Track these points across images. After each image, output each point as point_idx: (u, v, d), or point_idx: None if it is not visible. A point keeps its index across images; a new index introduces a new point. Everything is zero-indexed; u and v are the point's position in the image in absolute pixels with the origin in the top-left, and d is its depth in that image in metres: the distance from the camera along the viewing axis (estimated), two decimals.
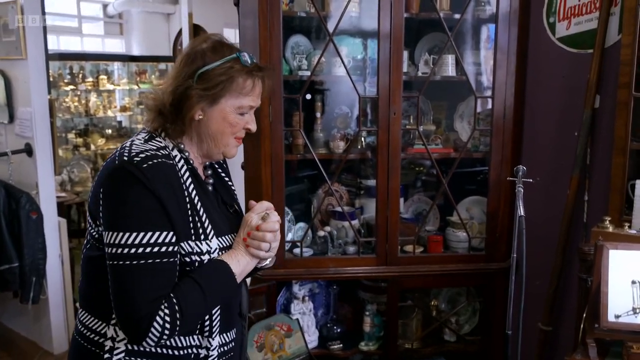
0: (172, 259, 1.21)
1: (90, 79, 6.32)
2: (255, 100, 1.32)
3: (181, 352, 1.29)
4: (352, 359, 2.72)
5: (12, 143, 3.43)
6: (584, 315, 1.86)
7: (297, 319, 2.50)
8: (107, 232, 1.19)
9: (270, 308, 2.48)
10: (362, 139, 2.61)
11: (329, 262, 2.51)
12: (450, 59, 2.52)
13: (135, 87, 6.78)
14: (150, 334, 1.16)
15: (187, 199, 1.25)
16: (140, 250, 1.16)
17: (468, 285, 2.73)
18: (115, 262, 1.17)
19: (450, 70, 2.53)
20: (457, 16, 2.45)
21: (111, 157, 1.25)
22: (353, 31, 2.58)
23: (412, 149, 2.58)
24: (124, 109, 6.69)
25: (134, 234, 1.17)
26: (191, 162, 1.32)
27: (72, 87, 6.14)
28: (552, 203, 2.46)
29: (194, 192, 1.28)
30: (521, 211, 1.82)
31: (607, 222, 1.96)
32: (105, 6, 7.10)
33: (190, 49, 1.30)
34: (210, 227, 1.28)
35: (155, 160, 1.21)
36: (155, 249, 1.18)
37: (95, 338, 1.27)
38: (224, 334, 1.36)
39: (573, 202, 2.31)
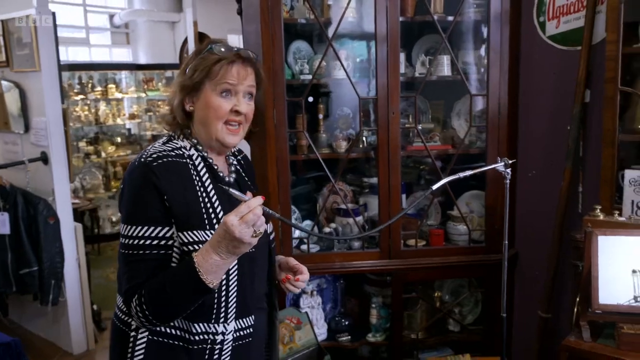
0: (160, 252, 1.33)
1: (99, 88, 6.48)
2: (233, 79, 1.39)
3: (197, 338, 1.39)
4: (359, 350, 2.83)
5: (29, 152, 3.57)
6: (577, 299, 1.95)
7: (306, 312, 2.61)
8: (120, 224, 1.37)
9: (280, 302, 2.59)
10: (364, 138, 2.72)
11: (334, 257, 2.62)
12: (445, 60, 2.62)
13: (143, 94, 6.93)
14: (133, 316, 1.33)
15: (203, 193, 1.38)
16: (135, 242, 1.32)
17: (469, 277, 2.83)
18: (119, 251, 1.37)
19: (446, 70, 2.63)
20: (450, 18, 2.55)
21: (134, 159, 1.41)
22: (352, 35, 2.69)
23: (412, 146, 2.69)
24: (132, 116, 6.84)
25: (133, 227, 1.32)
26: (209, 159, 1.45)
27: (81, 96, 6.30)
28: (548, 195, 2.55)
29: (210, 186, 1.41)
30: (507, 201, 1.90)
31: (598, 210, 2.05)
32: (111, 16, 7.25)
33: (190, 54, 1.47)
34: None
35: (165, 159, 1.35)
36: (147, 242, 1.32)
37: (125, 318, 1.41)
38: (241, 320, 1.45)
39: (567, 193, 2.41)
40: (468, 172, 1.83)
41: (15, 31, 3.50)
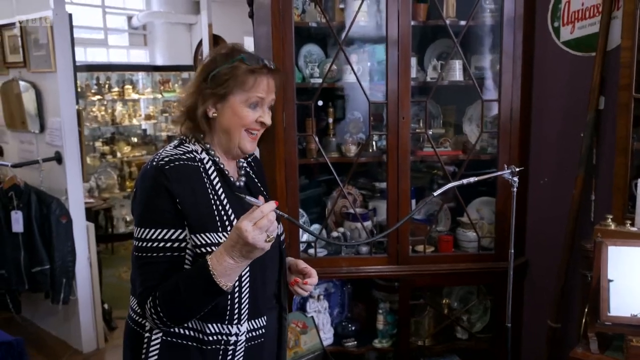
0: (173, 254, 1.34)
1: (116, 89, 6.54)
2: (262, 93, 1.42)
3: (211, 338, 1.40)
4: (366, 355, 2.81)
5: (43, 151, 3.62)
6: (586, 310, 1.92)
7: (312, 317, 2.60)
8: (134, 226, 1.38)
9: (288, 305, 2.57)
10: (374, 143, 2.70)
11: (342, 261, 2.60)
12: (457, 64, 2.60)
13: (159, 96, 6.98)
14: (148, 318, 1.34)
15: (214, 196, 1.39)
16: (149, 244, 1.33)
17: (478, 284, 2.79)
18: (133, 253, 1.38)
19: (457, 75, 2.61)
20: (463, 23, 2.53)
21: (147, 162, 1.42)
22: (364, 39, 2.68)
23: (422, 151, 2.66)
24: (148, 117, 6.90)
25: (147, 230, 1.34)
26: (221, 164, 1.46)
27: (98, 97, 6.36)
28: (560, 203, 2.51)
29: (221, 189, 1.42)
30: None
31: (610, 220, 2.02)
32: (129, 18, 7.33)
33: (208, 56, 1.47)
34: (236, 220, 1.34)
35: (177, 163, 1.36)
36: (161, 244, 1.33)
37: (138, 319, 1.43)
38: (253, 321, 1.47)
39: (579, 201, 2.37)
40: (472, 179, 1.81)
41: (32, 32, 3.55)
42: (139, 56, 7.55)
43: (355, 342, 2.72)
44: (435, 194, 1.64)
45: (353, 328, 2.77)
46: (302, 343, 2.53)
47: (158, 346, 1.40)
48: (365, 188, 2.94)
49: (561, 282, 2.42)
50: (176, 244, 1.34)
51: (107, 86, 6.47)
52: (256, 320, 1.48)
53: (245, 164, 1.59)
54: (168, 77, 7.12)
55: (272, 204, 1.24)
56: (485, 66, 2.69)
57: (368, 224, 2.72)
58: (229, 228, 1.38)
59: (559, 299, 2.44)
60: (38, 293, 3.55)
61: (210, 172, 1.42)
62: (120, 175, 6.48)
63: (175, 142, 1.47)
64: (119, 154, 6.42)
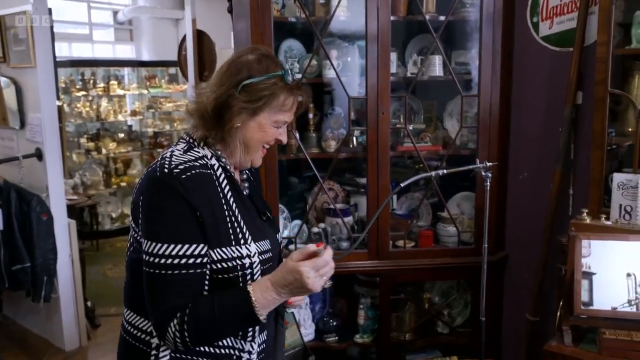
0: (196, 271, 1.25)
1: (102, 85, 6.49)
2: (291, 116, 1.36)
3: (222, 352, 1.34)
4: (347, 351, 2.81)
5: (24, 148, 3.58)
6: (561, 303, 1.93)
7: (292, 312, 2.57)
8: (144, 240, 1.26)
9: None
10: (354, 138, 2.70)
11: None
12: (437, 60, 2.60)
13: (145, 91, 6.94)
14: (165, 339, 1.24)
15: (226, 206, 1.30)
16: (169, 261, 1.22)
17: (458, 279, 2.80)
18: (145, 269, 1.25)
19: (437, 71, 2.61)
20: (442, 18, 2.52)
21: (152, 167, 1.30)
22: (343, 34, 2.67)
23: (402, 147, 2.66)
24: (134, 113, 6.86)
25: (165, 245, 1.22)
26: (231, 172, 1.37)
27: (83, 92, 6.31)
28: (539, 197, 2.52)
29: (232, 199, 1.33)
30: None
31: (585, 214, 2.03)
32: (115, 13, 7.27)
33: (236, 59, 1.33)
34: (248, 232, 1.33)
35: (193, 171, 1.26)
36: (182, 261, 1.23)
37: (142, 336, 1.34)
38: (261, 335, 1.42)
39: (556, 196, 2.38)
40: (442, 171, 1.84)
41: (11, 27, 3.51)
42: (125, 51, 7.49)
43: (337, 338, 2.72)
44: (402, 184, 1.64)
45: (334, 323, 2.77)
46: None
47: None
48: (348, 183, 2.94)
49: (539, 276, 2.44)
50: (199, 260, 1.25)
51: (92, 82, 6.41)
52: (263, 335, 1.43)
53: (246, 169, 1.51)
54: (154, 73, 7.08)
55: (331, 251, 1.25)
56: (466, 61, 2.70)
57: (349, 219, 2.72)
58: (242, 241, 1.31)
59: (537, 293, 2.46)
60: (19, 291, 3.52)
61: (221, 180, 1.33)
62: (106, 171, 6.45)
63: (183, 145, 1.35)
64: (104, 151, 6.38)
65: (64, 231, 3.57)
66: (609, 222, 1.97)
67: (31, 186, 3.49)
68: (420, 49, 2.78)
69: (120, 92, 6.67)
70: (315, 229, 2.69)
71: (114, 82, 6.56)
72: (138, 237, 1.32)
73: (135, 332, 1.36)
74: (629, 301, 1.82)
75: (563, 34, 2.42)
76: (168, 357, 1.32)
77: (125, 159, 6.70)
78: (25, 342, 3.74)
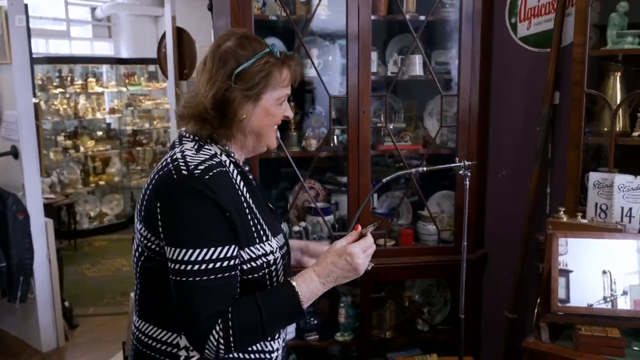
0: (232, 273, 1.20)
1: (79, 82, 6.39)
2: (289, 90, 1.32)
3: (252, 356, 1.31)
4: (328, 349, 2.82)
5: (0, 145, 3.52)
6: (538, 300, 1.96)
7: None
8: (169, 248, 1.19)
9: None
10: (335, 137, 2.71)
11: None
12: (417, 59, 2.61)
13: (124, 89, 6.86)
14: (206, 350, 1.18)
15: (245, 204, 1.26)
16: (203, 267, 1.17)
17: (438, 277, 2.83)
18: (177, 278, 1.18)
19: (418, 70, 2.62)
20: (422, 17, 2.54)
21: (165, 170, 1.22)
22: (324, 33, 2.68)
23: (382, 146, 2.68)
24: (112, 111, 6.77)
25: (196, 251, 1.17)
26: (242, 166, 1.33)
27: (61, 90, 6.21)
28: (518, 196, 2.55)
29: (248, 194, 1.28)
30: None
31: (562, 212, 2.06)
32: (93, 9, 7.18)
33: (216, 49, 1.28)
34: (267, 227, 1.30)
35: (215, 170, 1.21)
36: (217, 265, 1.18)
37: (164, 348, 1.28)
38: (283, 331, 1.42)
39: (534, 195, 2.41)
40: (421, 169, 1.85)
41: None
42: (103, 48, 7.40)
43: (317, 336, 2.72)
44: (384, 180, 1.66)
45: (315, 322, 2.77)
46: None
47: None
48: (329, 182, 2.95)
49: (518, 274, 2.47)
50: (232, 262, 1.20)
51: (69, 79, 6.32)
52: (282, 331, 1.41)
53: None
54: (133, 70, 7.00)
55: (370, 231, 1.29)
56: (446, 61, 2.72)
57: (330, 218, 2.72)
58: (264, 238, 1.27)
59: (515, 291, 2.49)
60: None
61: (235, 175, 1.27)
62: (84, 170, 6.36)
63: (192, 144, 1.28)
64: (82, 149, 6.29)
65: (40, 230, 3.51)
66: (585, 221, 2.00)
67: (7, 185, 3.43)
68: (400, 48, 2.79)
69: (98, 89, 6.58)
70: (296, 228, 2.69)
71: (92, 80, 6.47)
72: (155, 247, 1.24)
73: (154, 343, 1.29)
74: (605, 298, 1.85)
75: (541, 35, 2.45)
76: None
77: (103, 157, 6.63)
78: (1, 344, 3.68)
